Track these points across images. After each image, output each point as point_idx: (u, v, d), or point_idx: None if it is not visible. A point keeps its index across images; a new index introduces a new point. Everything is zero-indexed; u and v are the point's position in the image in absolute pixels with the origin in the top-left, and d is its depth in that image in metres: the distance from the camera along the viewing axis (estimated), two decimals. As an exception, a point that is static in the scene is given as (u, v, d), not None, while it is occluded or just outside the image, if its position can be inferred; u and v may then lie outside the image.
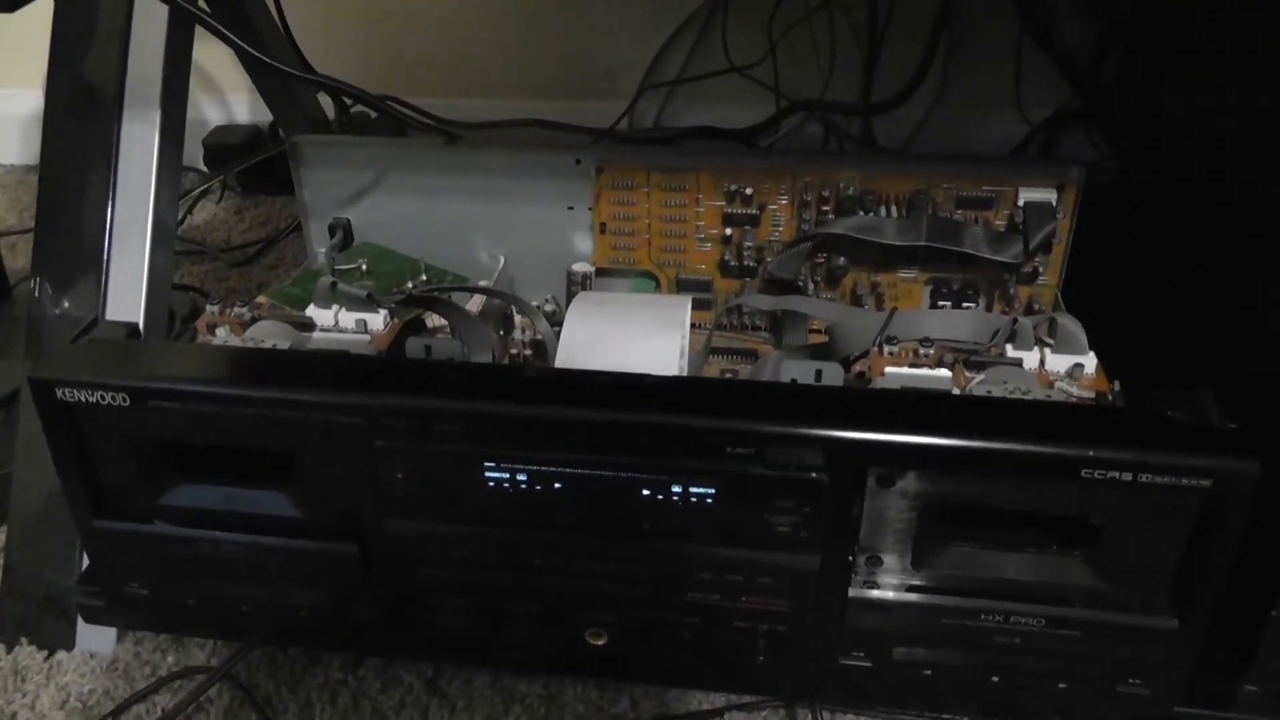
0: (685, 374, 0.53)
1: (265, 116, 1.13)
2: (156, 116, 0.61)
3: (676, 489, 0.43)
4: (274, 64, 0.62)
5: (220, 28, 0.55)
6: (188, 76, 0.63)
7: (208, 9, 0.68)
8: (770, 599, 0.45)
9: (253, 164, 1.09)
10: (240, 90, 1.19)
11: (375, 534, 0.46)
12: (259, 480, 0.47)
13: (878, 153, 1.01)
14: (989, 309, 0.65)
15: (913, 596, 0.44)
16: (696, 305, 0.65)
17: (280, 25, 0.81)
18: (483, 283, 0.66)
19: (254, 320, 0.55)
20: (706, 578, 0.45)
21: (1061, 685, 0.45)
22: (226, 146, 1.13)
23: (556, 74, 1.16)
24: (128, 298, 0.60)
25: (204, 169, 1.15)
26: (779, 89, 1.08)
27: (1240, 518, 0.40)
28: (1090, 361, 0.51)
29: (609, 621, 0.47)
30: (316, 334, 0.54)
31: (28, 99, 1.22)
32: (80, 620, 0.59)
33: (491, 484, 0.44)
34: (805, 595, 0.45)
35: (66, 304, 0.61)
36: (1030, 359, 0.52)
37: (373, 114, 0.96)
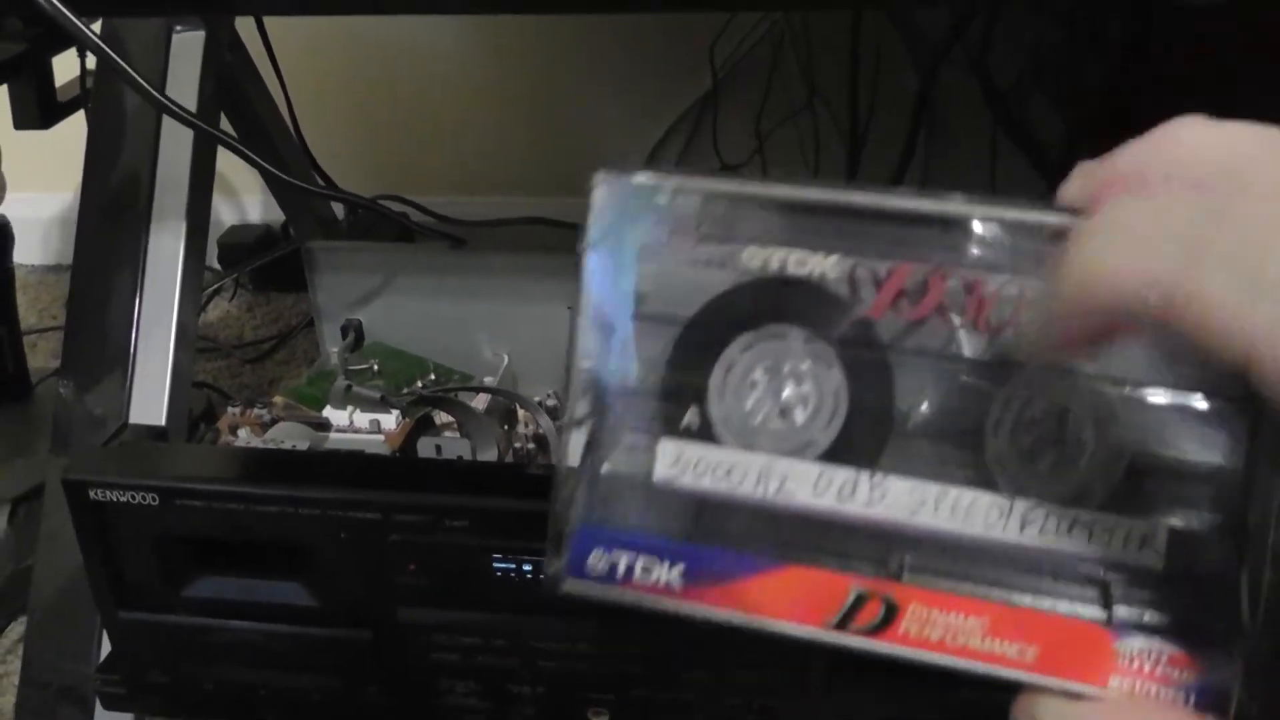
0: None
1: (277, 215, 1.18)
2: (182, 228, 0.65)
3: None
4: (295, 182, 0.66)
5: (245, 150, 0.59)
6: (210, 190, 0.68)
7: (231, 130, 0.72)
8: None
9: (265, 263, 1.14)
10: (254, 191, 1.24)
11: (388, 621, 0.49)
12: (277, 572, 0.50)
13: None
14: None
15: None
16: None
17: (295, 135, 0.86)
18: (488, 380, 0.70)
19: (273, 421, 0.59)
20: (699, 656, 0.48)
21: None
22: (240, 245, 1.17)
23: (556, 171, 1.20)
24: (151, 398, 0.64)
25: (218, 267, 1.20)
26: (768, 185, 1.13)
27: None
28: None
29: (609, 700, 0.50)
30: (333, 434, 0.57)
31: (48, 202, 1.27)
32: (99, 707, 0.61)
33: (499, 574, 0.47)
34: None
35: (92, 404, 0.64)
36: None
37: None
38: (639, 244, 0.29)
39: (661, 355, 0.30)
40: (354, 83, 1.17)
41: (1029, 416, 0.28)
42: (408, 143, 1.21)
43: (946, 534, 0.28)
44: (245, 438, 0.57)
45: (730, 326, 0.29)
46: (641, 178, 0.29)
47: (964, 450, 0.28)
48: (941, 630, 0.28)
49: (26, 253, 1.31)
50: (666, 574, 0.29)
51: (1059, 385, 0.28)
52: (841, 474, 0.29)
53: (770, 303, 0.29)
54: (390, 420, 0.58)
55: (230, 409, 0.60)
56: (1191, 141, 0.23)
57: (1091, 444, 0.28)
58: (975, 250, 0.27)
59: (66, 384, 0.64)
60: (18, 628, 0.77)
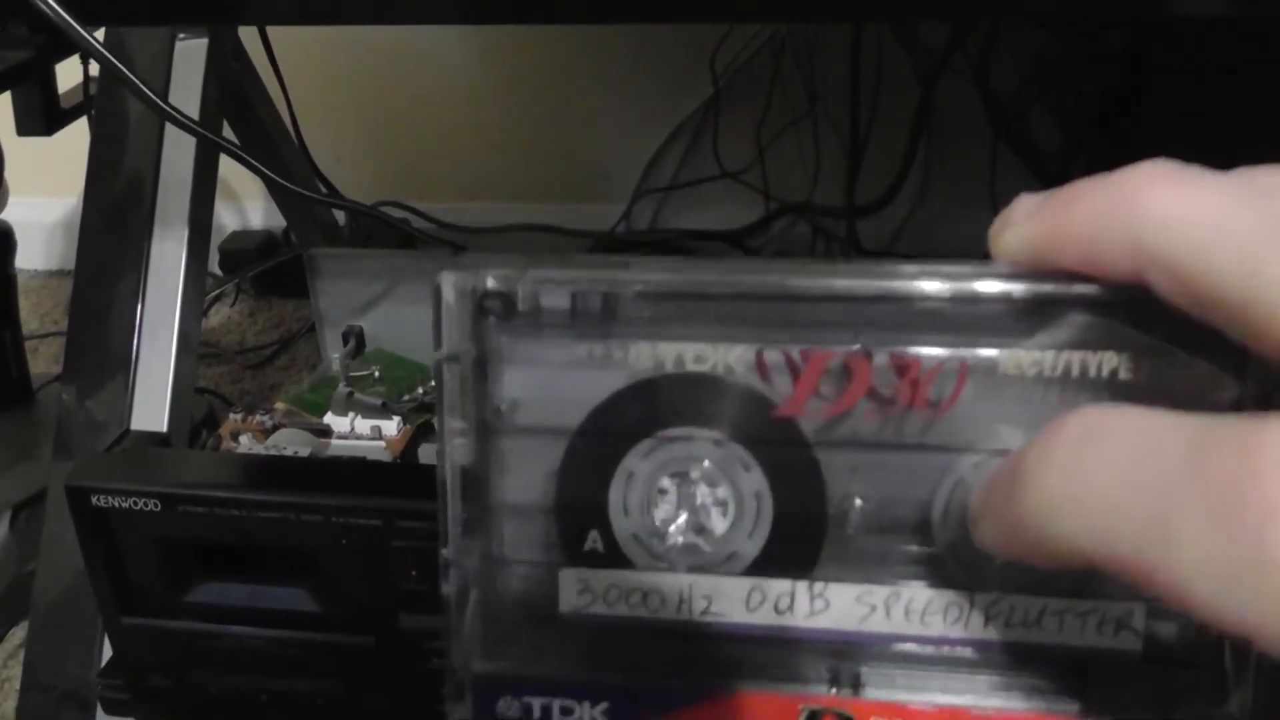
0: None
1: (279, 221, 1.18)
2: (184, 234, 0.65)
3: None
4: (297, 189, 0.67)
5: (247, 158, 0.59)
6: (213, 196, 0.68)
7: (234, 137, 0.73)
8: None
9: (266, 269, 1.14)
10: (255, 197, 1.25)
11: (390, 627, 0.49)
12: (280, 578, 0.50)
13: (861, 257, 1.05)
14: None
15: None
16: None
17: (297, 142, 0.86)
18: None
19: (275, 427, 0.59)
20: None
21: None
22: (242, 251, 1.17)
23: (557, 178, 1.21)
24: (153, 403, 0.64)
25: (219, 273, 1.20)
26: (769, 193, 1.13)
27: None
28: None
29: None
30: (335, 441, 0.58)
31: (50, 207, 1.27)
32: (101, 712, 0.61)
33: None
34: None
35: (94, 409, 0.64)
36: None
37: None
38: (503, 350, 0.25)
39: (549, 471, 0.26)
40: (356, 89, 1.18)
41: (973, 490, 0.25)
42: (409, 149, 1.22)
43: (903, 638, 0.25)
44: (247, 444, 0.57)
45: (625, 433, 0.26)
46: (493, 277, 0.25)
47: (912, 544, 0.25)
48: None
49: (28, 258, 1.31)
50: (588, 714, 0.26)
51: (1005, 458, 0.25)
52: (776, 586, 0.26)
53: (670, 402, 0.25)
54: (391, 427, 0.58)
55: (232, 415, 0.60)
56: (1160, 217, 0.20)
57: None
58: (904, 321, 0.24)
59: (68, 389, 0.65)
60: (19, 632, 0.77)
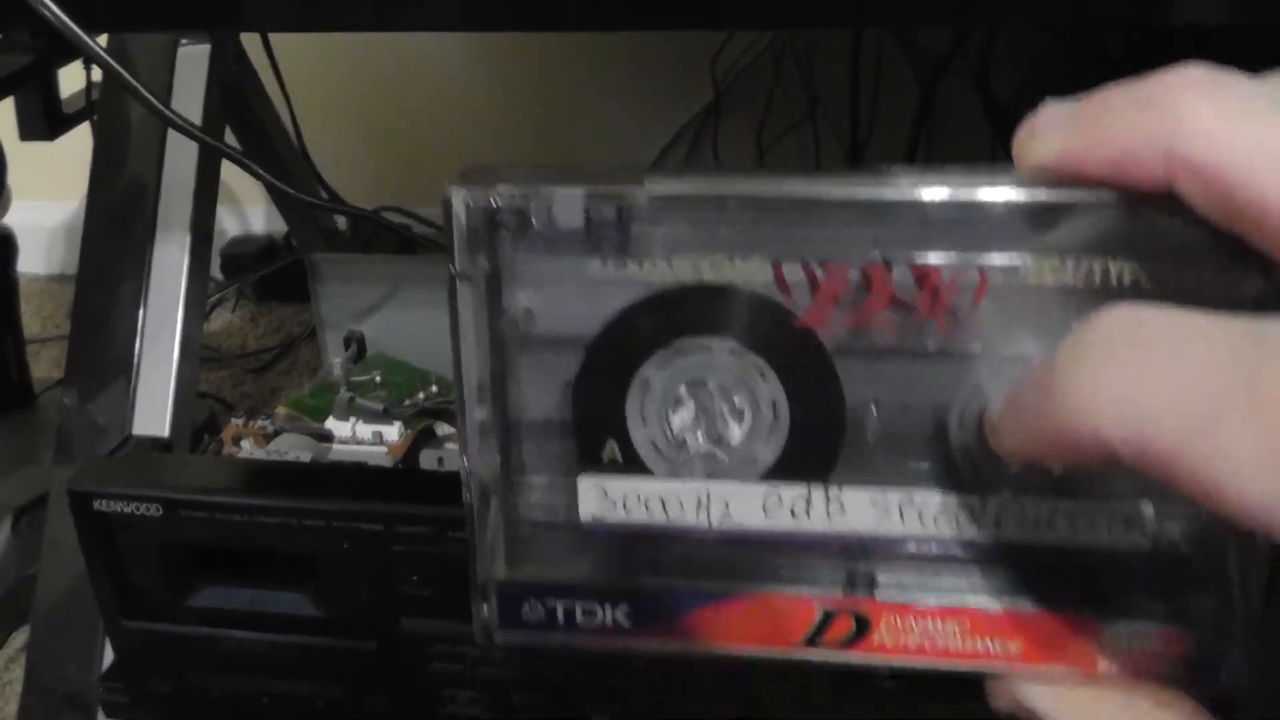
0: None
1: (279, 227, 1.19)
2: (186, 239, 0.65)
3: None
4: (298, 195, 0.67)
5: (249, 163, 0.59)
6: (215, 201, 0.68)
7: (236, 142, 0.73)
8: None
9: (268, 273, 1.14)
10: (256, 202, 1.25)
11: (391, 632, 0.49)
12: (281, 583, 0.50)
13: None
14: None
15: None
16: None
17: (298, 147, 0.86)
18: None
19: (276, 432, 0.59)
20: (701, 667, 0.48)
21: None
22: (243, 256, 1.18)
23: (557, 182, 1.20)
24: (155, 408, 0.64)
25: (220, 278, 1.20)
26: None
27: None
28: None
29: (611, 711, 0.50)
30: (336, 446, 0.58)
31: (52, 211, 1.27)
32: (102, 716, 0.61)
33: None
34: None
35: (96, 413, 0.65)
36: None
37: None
38: (517, 265, 0.25)
39: (565, 384, 0.26)
40: (357, 95, 1.18)
41: (992, 399, 0.25)
42: (410, 154, 1.22)
43: (917, 540, 0.26)
44: (248, 449, 0.57)
45: (641, 346, 0.26)
46: (505, 192, 0.24)
47: (928, 450, 0.25)
48: (919, 637, 0.26)
49: (30, 262, 1.32)
50: (611, 615, 0.27)
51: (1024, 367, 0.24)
52: (792, 491, 0.26)
53: (686, 314, 0.25)
54: (393, 432, 0.59)
55: (233, 420, 0.60)
56: (1198, 127, 0.19)
57: None
58: (923, 232, 0.23)
59: (70, 393, 0.65)
60: (20, 636, 0.77)
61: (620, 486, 0.26)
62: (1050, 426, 0.20)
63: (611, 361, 0.26)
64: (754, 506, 0.26)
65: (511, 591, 0.27)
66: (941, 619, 0.26)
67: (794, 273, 0.24)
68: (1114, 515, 0.25)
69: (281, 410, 0.64)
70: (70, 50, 0.65)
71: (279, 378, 1.01)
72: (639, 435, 0.26)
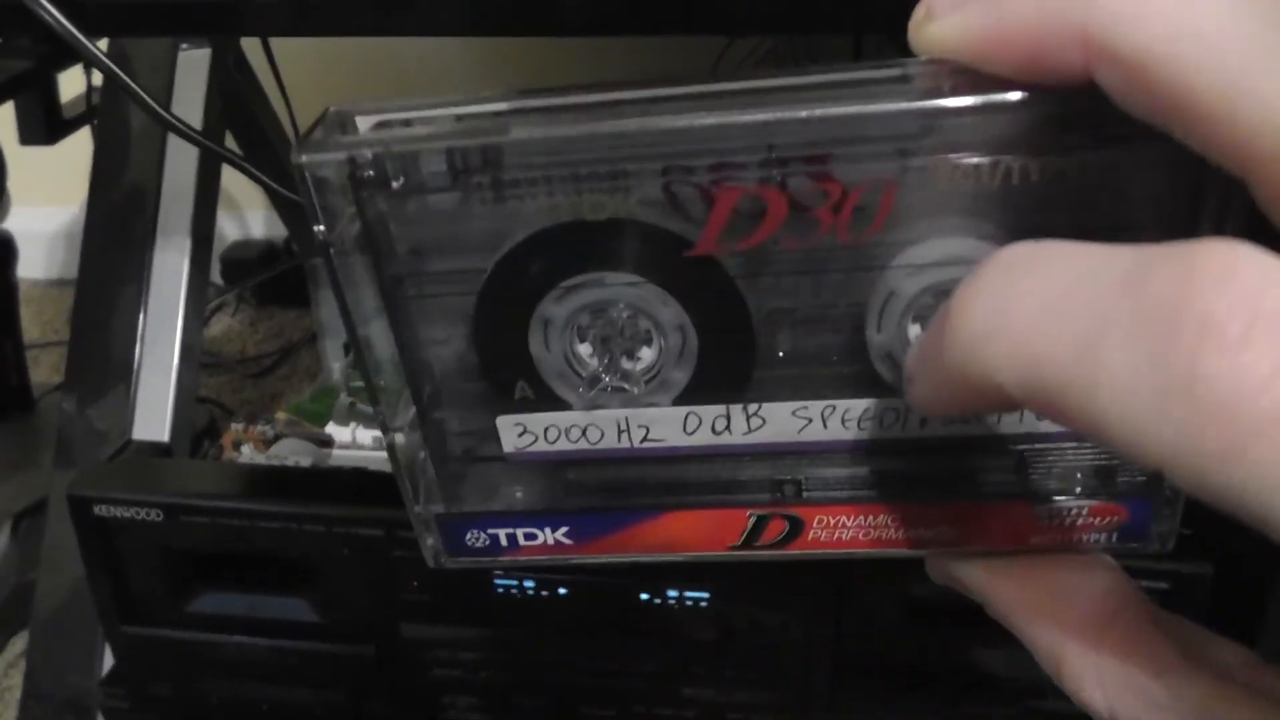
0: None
1: (280, 231, 1.18)
2: (187, 244, 0.65)
3: (672, 593, 0.46)
4: (299, 200, 0.67)
5: (250, 168, 0.59)
6: (215, 206, 0.68)
7: (236, 147, 0.73)
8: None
9: (268, 278, 1.14)
10: (257, 207, 1.25)
11: (391, 637, 0.49)
12: (281, 588, 0.50)
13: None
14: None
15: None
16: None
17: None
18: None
19: (276, 437, 0.59)
20: (700, 672, 0.48)
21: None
22: (243, 261, 1.18)
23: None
24: (155, 413, 0.64)
25: (220, 282, 1.20)
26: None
27: (1196, 619, 0.43)
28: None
29: (610, 715, 0.50)
30: (336, 451, 0.58)
31: (51, 216, 1.27)
32: (101, 721, 0.61)
33: (500, 590, 0.47)
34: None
35: (96, 418, 0.64)
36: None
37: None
38: (390, 218, 0.23)
39: (465, 331, 0.25)
40: (358, 99, 1.18)
41: (909, 300, 0.24)
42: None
43: (841, 444, 0.26)
44: (249, 454, 0.57)
45: (534, 286, 0.24)
46: (359, 153, 0.22)
47: (846, 357, 0.25)
48: (853, 530, 0.26)
49: (30, 267, 1.32)
50: (551, 536, 0.27)
51: (944, 277, 0.23)
52: (711, 410, 0.25)
53: (576, 252, 0.24)
54: (393, 436, 0.58)
55: (233, 425, 0.60)
56: (1121, 10, 0.17)
57: None
58: (822, 133, 0.21)
59: (70, 398, 0.65)
60: (20, 641, 0.77)
61: (539, 420, 0.26)
62: (949, 372, 0.18)
63: (507, 303, 0.25)
64: (674, 427, 0.26)
65: (453, 523, 0.27)
66: (874, 514, 0.26)
67: (687, 195, 0.22)
68: None
69: (282, 415, 0.64)
70: (71, 55, 0.65)
71: (279, 383, 1.01)
72: (549, 371, 0.26)
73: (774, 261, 0.23)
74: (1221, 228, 0.20)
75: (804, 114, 0.21)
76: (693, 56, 1.10)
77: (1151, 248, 0.16)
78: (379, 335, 0.25)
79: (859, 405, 0.25)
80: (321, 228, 0.23)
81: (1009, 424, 0.25)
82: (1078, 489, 0.25)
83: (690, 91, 0.22)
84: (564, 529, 0.27)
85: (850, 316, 0.24)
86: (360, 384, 0.70)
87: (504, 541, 0.27)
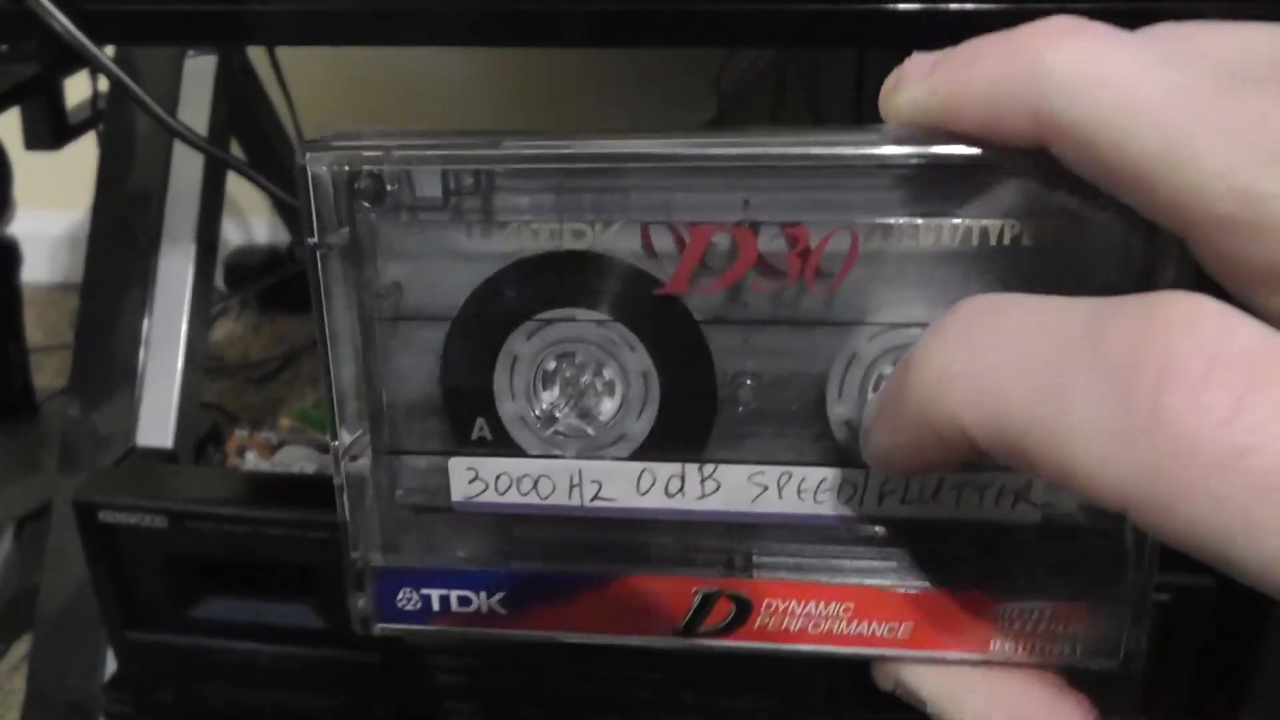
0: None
1: (283, 237, 1.19)
2: (192, 249, 0.66)
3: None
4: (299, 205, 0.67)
5: (255, 176, 0.60)
6: (220, 212, 0.69)
7: (242, 154, 0.73)
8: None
9: (271, 284, 1.15)
10: (260, 212, 1.25)
11: (395, 643, 0.50)
12: (285, 594, 0.51)
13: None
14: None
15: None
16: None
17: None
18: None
19: (280, 444, 0.59)
20: (702, 679, 0.48)
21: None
22: (246, 266, 1.18)
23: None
24: (159, 418, 0.64)
25: (223, 288, 1.20)
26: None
27: (1199, 632, 0.44)
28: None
29: (613, 723, 0.50)
30: (340, 457, 0.58)
31: (55, 220, 1.28)
32: (104, 726, 0.61)
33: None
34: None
35: (99, 423, 0.65)
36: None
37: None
38: (379, 236, 0.24)
39: (431, 360, 0.25)
40: (361, 106, 1.18)
41: (876, 375, 0.24)
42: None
43: (796, 518, 0.25)
44: (253, 460, 0.57)
45: (506, 318, 0.25)
46: (365, 155, 0.23)
47: (806, 423, 0.24)
48: (802, 620, 0.25)
49: (33, 270, 1.32)
50: (485, 603, 0.26)
51: (906, 341, 0.23)
52: (666, 469, 0.25)
53: (550, 283, 0.24)
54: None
55: (238, 431, 0.61)
56: (1064, 78, 0.18)
57: None
58: (792, 194, 0.23)
59: (73, 402, 0.65)
60: (22, 645, 0.77)
61: (491, 466, 0.26)
62: (910, 416, 0.19)
63: (477, 335, 0.25)
64: (627, 485, 0.25)
65: (388, 579, 0.26)
66: (826, 601, 0.25)
67: (660, 237, 0.23)
68: (1003, 489, 0.24)
69: (285, 422, 0.65)
70: (77, 60, 0.66)
71: (281, 388, 1.01)
72: (508, 412, 0.25)
73: (742, 312, 0.24)
74: (1178, 283, 0.20)
75: (780, 155, 0.22)
76: (694, 67, 1.10)
77: (1113, 300, 0.16)
78: (347, 356, 0.25)
79: (817, 474, 0.24)
80: (314, 237, 0.24)
81: (970, 507, 0.24)
82: (1040, 585, 0.24)
83: (675, 152, 0.23)
84: (500, 594, 0.26)
85: (813, 378, 0.24)
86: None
87: (435, 605, 0.26)
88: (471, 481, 0.26)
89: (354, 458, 0.25)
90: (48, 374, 1.05)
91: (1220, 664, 0.46)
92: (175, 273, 0.66)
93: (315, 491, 0.50)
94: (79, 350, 0.66)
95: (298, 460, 0.56)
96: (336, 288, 0.24)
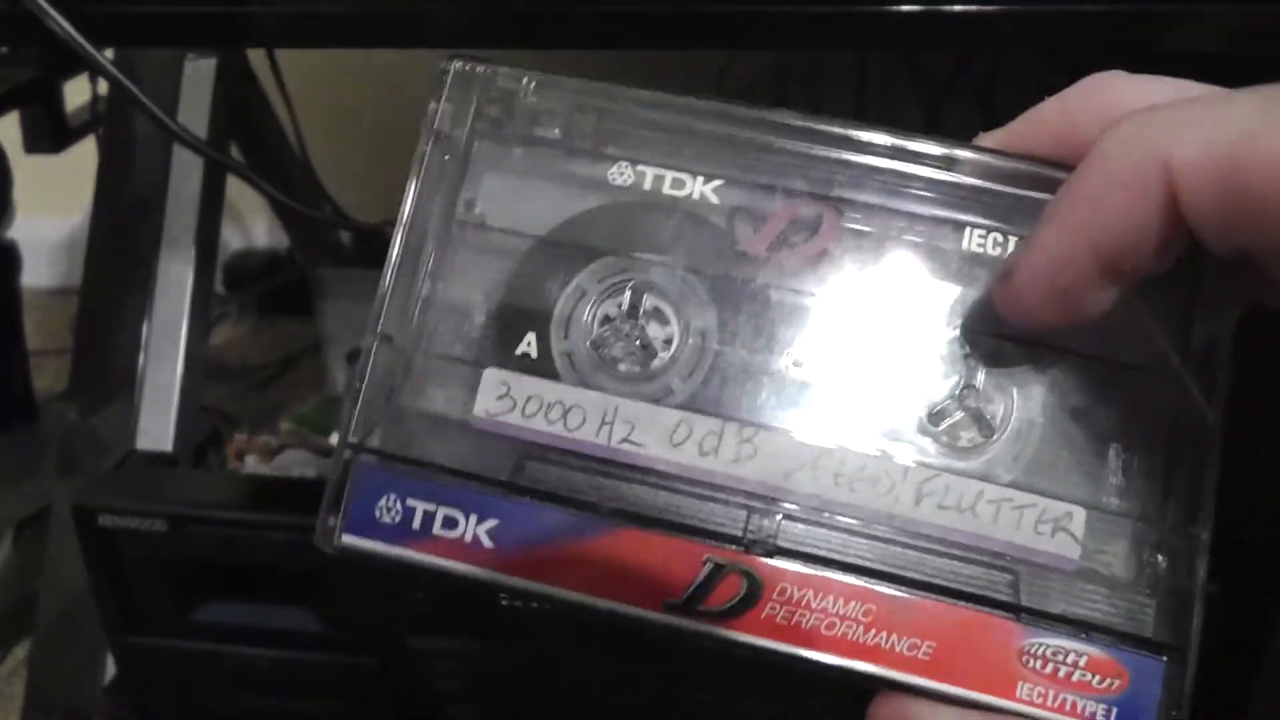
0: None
1: (283, 240, 1.18)
2: (191, 253, 0.65)
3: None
4: (307, 211, 0.67)
5: (256, 179, 0.60)
6: (220, 216, 0.68)
7: (242, 158, 0.73)
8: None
9: (270, 288, 1.14)
10: (260, 216, 1.25)
11: (396, 648, 0.49)
12: (286, 598, 0.50)
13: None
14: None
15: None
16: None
17: (302, 159, 0.86)
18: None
19: (280, 448, 0.59)
20: (703, 684, 0.48)
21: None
22: (246, 270, 1.18)
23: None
24: (159, 422, 0.64)
25: (222, 291, 1.20)
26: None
27: (1205, 637, 0.43)
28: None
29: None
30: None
31: (54, 225, 1.27)
32: (104, 731, 0.61)
33: (504, 602, 0.47)
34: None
35: (99, 427, 0.64)
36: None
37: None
38: (489, 147, 0.26)
39: (501, 273, 0.25)
40: (361, 109, 1.18)
41: (930, 377, 0.24)
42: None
43: (828, 502, 0.23)
44: (252, 464, 0.57)
45: (587, 250, 0.25)
46: (504, 73, 0.26)
47: (854, 407, 0.24)
48: (816, 617, 0.23)
49: (33, 275, 1.31)
50: (472, 530, 0.24)
51: (969, 345, 0.24)
52: (704, 424, 0.24)
53: (638, 227, 0.25)
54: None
55: (237, 435, 0.60)
56: (1125, 94, 0.21)
57: (1004, 411, 0.24)
58: (883, 191, 0.24)
59: (73, 407, 0.65)
60: (22, 650, 0.77)
61: (525, 385, 0.25)
62: (1102, 176, 0.20)
63: (554, 261, 0.26)
64: (661, 434, 0.24)
65: (373, 479, 0.24)
66: (845, 599, 0.23)
67: (752, 202, 0.25)
68: (1043, 515, 0.23)
69: (285, 426, 0.64)
70: (77, 64, 0.66)
71: (281, 393, 1.01)
72: (559, 341, 0.25)
73: (817, 286, 0.25)
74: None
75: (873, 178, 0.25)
76: (695, 69, 1.10)
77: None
78: (415, 251, 0.25)
79: (857, 460, 0.24)
80: (432, 133, 0.26)
81: (1008, 527, 0.23)
82: (1077, 626, 0.22)
83: (789, 123, 0.25)
84: (490, 523, 0.24)
85: (872, 361, 0.24)
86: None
87: (416, 522, 0.24)
88: (500, 398, 0.25)
89: (388, 347, 0.25)
90: (47, 378, 1.05)
91: (1224, 667, 0.46)
92: (175, 277, 0.66)
93: (315, 495, 0.50)
94: (78, 354, 0.66)
95: (297, 464, 0.56)
96: (432, 183, 0.26)
